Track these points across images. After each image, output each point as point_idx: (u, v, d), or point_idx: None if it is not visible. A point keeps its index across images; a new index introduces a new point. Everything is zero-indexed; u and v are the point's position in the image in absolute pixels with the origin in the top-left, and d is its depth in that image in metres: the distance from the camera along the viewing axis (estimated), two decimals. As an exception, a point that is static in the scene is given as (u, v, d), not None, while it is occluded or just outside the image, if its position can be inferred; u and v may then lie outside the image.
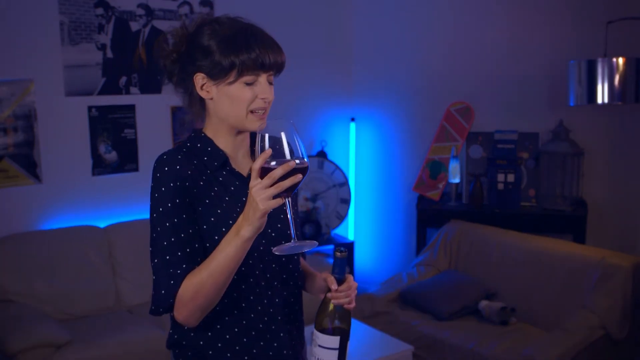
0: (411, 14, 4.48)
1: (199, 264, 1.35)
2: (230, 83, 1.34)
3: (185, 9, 4.03)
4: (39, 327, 3.00)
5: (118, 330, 3.20)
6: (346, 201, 4.71)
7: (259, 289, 1.40)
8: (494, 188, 3.97)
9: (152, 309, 1.34)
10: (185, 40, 1.39)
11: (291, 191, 1.21)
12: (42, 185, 3.62)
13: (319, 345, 1.37)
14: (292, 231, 1.28)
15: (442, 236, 3.92)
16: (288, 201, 1.24)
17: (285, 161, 1.19)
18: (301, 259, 1.57)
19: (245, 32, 1.35)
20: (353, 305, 1.38)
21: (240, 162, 1.46)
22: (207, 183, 1.38)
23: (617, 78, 3.29)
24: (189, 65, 1.38)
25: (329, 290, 1.38)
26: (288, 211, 1.26)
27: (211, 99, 1.38)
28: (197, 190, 1.36)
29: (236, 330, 1.40)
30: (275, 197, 1.19)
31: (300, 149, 1.22)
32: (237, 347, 1.40)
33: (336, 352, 1.36)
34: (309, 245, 1.26)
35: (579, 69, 3.41)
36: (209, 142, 1.42)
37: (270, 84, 1.38)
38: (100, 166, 3.82)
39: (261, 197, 1.18)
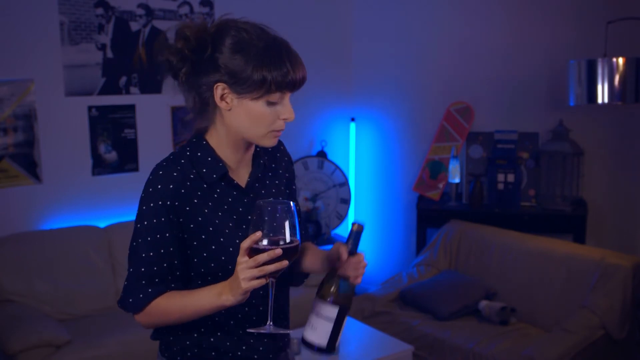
0: (411, 14, 4.48)
1: (175, 278, 1.35)
2: (255, 99, 1.29)
3: (185, 9, 4.03)
4: (39, 327, 3.00)
5: (118, 330, 3.20)
6: (346, 201, 4.71)
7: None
8: (494, 188, 3.97)
9: (118, 305, 1.39)
10: (207, 41, 1.30)
11: (277, 274, 1.21)
12: (42, 185, 3.62)
13: (316, 314, 1.35)
14: (269, 315, 1.28)
15: (442, 236, 3.92)
16: (272, 282, 1.24)
17: (274, 241, 1.18)
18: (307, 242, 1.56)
19: (276, 47, 1.29)
20: (359, 281, 1.36)
21: (240, 173, 1.43)
22: (202, 199, 1.35)
23: (617, 78, 3.29)
24: (210, 72, 1.30)
25: (339, 261, 1.35)
26: (270, 294, 1.25)
27: (229, 110, 1.32)
28: (189, 208, 1.34)
29: (219, 334, 1.41)
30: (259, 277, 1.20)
31: (296, 230, 1.22)
32: (221, 349, 1.41)
33: (331, 324, 1.34)
34: (283, 332, 1.31)
35: (579, 69, 3.41)
36: (210, 151, 1.38)
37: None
38: (100, 166, 3.82)
39: (244, 276, 1.19)
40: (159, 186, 1.33)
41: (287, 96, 1.32)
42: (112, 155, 3.86)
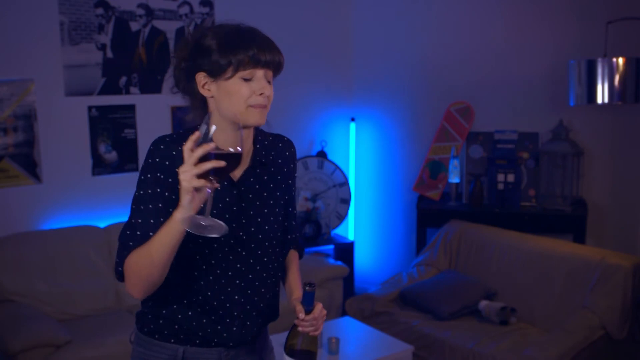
0: (411, 14, 4.48)
1: None
2: (228, 78, 1.39)
3: (185, 9, 4.03)
4: (39, 327, 3.00)
5: (118, 330, 3.20)
6: (346, 201, 4.71)
7: (224, 279, 1.48)
8: (494, 188, 3.98)
9: (116, 276, 1.46)
10: (189, 47, 1.45)
11: (218, 176, 1.23)
12: (42, 185, 3.62)
13: None
14: (206, 210, 1.29)
15: (442, 236, 3.92)
16: (209, 191, 1.25)
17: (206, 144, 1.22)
18: (293, 251, 1.67)
19: (243, 32, 1.42)
20: (318, 332, 1.49)
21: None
22: None
23: (617, 78, 3.29)
24: (191, 67, 1.44)
25: (297, 320, 1.47)
26: (208, 192, 1.26)
27: (212, 97, 1.43)
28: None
29: (199, 310, 1.48)
30: (201, 177, 1.21)
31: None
32: (190, 328, 1.49)
33: None
34: (217, 229, 1.27)
35: (579, 69, 3.41)
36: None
37: (269, 82, 1.43)
38: (100, 166, 3.82)
39: (184, 175, 1.22)
40: (157, 159, 1.41)
41: (261, 74, 1.40)
42: (112, 155, 3.86)
